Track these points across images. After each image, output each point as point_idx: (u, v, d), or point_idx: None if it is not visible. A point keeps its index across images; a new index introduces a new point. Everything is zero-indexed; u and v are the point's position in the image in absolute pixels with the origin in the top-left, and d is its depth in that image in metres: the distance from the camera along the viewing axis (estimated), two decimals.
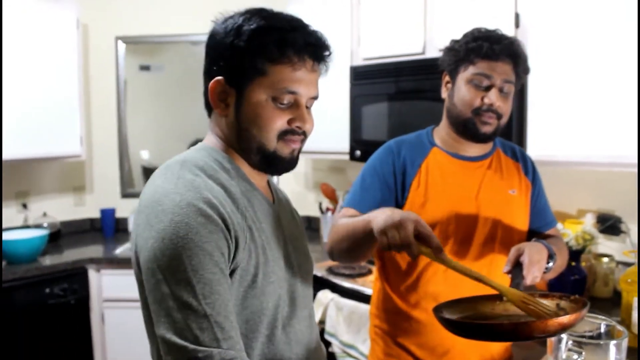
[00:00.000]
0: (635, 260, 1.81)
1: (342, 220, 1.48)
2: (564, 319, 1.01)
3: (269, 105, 1.02)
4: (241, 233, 0.97)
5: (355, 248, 1.41)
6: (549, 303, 1.16)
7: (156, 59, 3.83)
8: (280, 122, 1.04)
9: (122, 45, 3.66)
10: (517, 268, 1.34)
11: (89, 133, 3.60)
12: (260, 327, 1.02)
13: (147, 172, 4.30)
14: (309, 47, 1.02)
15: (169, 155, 1.11)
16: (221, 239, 0.92)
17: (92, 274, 3.01)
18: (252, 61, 1.01)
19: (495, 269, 1.53)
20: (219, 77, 1.03)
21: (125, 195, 3.77)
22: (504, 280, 1.35)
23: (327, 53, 1.05)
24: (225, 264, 0.93)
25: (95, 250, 3.20)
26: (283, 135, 1.05)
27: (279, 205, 1.18)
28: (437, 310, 1.15)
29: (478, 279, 1.13)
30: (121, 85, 3.68)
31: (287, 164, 1.08)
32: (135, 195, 3.66)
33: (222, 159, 1.07)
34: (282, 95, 1.02)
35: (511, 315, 1.19)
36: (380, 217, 1.17)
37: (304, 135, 1.08)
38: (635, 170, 1.96)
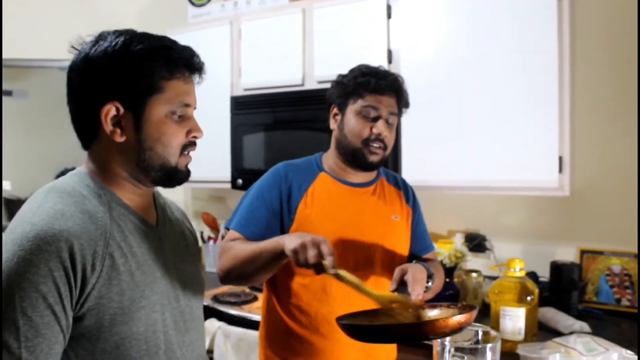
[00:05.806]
0: (499, 274, 1.99)
1: (239, 245, 1.52)
2: (462, 317, 1.11)
3: (169, 121, 1.05)
4: (98, 262, 0.95)
5: (259, 270, 1.48)
6: (443, 312, 1.26)
7: (19, 84, 3.60)
8: (181, 136, 1.07)
9: None
10: (402, 287, 1.42)
11: None
12: (131, 352, 1.00)
13: (9, 204, 3.98)
14: (190, 60, 1.07)
15: (33, 186, 1.07)
16: (62, 277, 0.90)
17: None
18: (148, 81, 1.02)
19: (379, 289, 1.61)
20: (114, 101, 1.01)
21: None
22: None
23: (202, 63, 1.10)
24: (63, 302, 0.91)
25: None
26: (184, 149, 1.08)
27: (164, 227, 1.16)
28: (340, 319, 1.23)
29: (365, 293, 1.27)
30: None
31: (184, 177, 1.10)
32: None
33: (94, 184, 1.04)
34: (178, 109, 1.05)
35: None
36: (291, 237, 1.31)
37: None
38: (496, 193, 2.18)
